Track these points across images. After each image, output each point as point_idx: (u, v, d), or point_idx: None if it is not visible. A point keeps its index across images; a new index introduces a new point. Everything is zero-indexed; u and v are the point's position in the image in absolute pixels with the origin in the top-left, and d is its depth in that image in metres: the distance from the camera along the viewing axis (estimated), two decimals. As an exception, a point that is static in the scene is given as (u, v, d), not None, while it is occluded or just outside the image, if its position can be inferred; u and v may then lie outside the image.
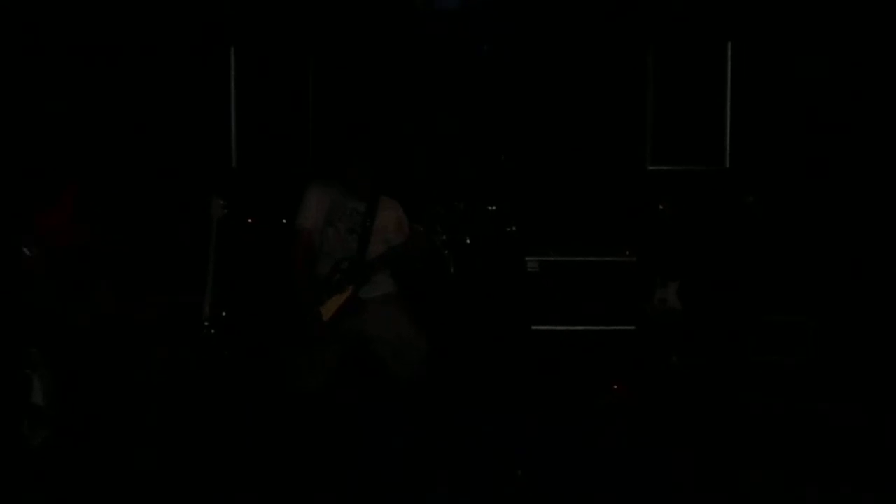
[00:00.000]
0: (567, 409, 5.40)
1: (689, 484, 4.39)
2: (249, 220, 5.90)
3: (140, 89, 6.46)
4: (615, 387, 5.53)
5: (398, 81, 6.69)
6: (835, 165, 6.38)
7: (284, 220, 5.84)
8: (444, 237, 6.18)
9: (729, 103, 6.76)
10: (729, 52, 6.76)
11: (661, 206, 6.37)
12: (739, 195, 6.19)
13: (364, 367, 5.09)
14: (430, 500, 4.41)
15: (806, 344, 5.90)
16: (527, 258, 6.24)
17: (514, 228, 5.98)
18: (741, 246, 6.08)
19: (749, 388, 5.65)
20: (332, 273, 4.89)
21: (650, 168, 6.70)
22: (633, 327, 5.86)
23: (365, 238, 4.91)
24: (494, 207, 6.18)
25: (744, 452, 4.74)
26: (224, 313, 5.65)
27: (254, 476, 4.56)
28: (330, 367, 4.92)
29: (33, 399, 4.66)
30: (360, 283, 4.88)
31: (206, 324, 5.52)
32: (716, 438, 4.94)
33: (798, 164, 6.49)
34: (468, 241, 5.31)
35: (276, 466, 4.66)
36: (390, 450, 4.98)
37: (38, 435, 4.64)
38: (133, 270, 5.30)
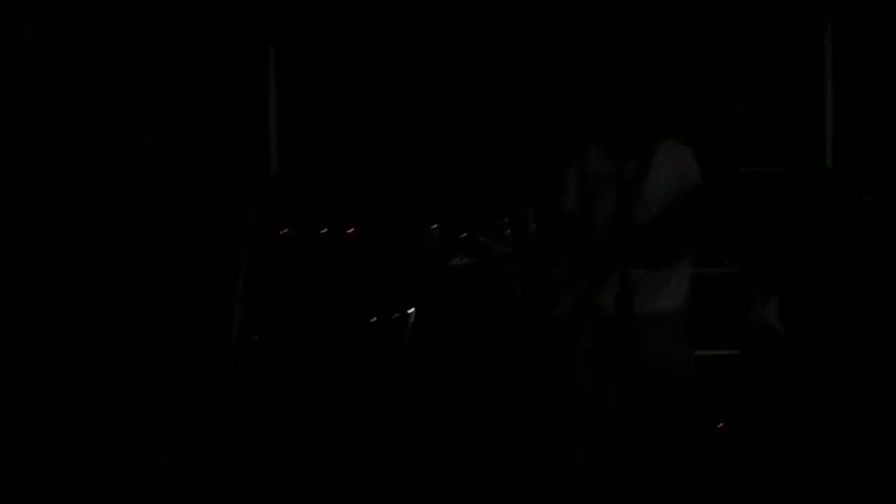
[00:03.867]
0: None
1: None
2: (285, 231, 4.94)
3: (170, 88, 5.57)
4: (720, 425, 4.40)
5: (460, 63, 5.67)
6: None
7: (324, 230, 4.90)
8: (509, 249, 5.19)
9: (830, 93, 5.69)
10: (829, 34, 5.70)
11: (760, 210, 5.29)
12: (853, 194, 5.06)
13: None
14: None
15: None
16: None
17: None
18: (856, 252, 4.94)
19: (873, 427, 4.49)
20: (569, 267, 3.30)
21: (742, 170, 5.62)
22: (736, 351, 4.74)
23: (624, 213, 3.12)
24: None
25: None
26: (256, 337, 4.71)
27: None
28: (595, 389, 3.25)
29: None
30: (603, 275, 3.15)
31: (233, 349, 4.57)
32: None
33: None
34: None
35: None
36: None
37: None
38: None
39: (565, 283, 3.26)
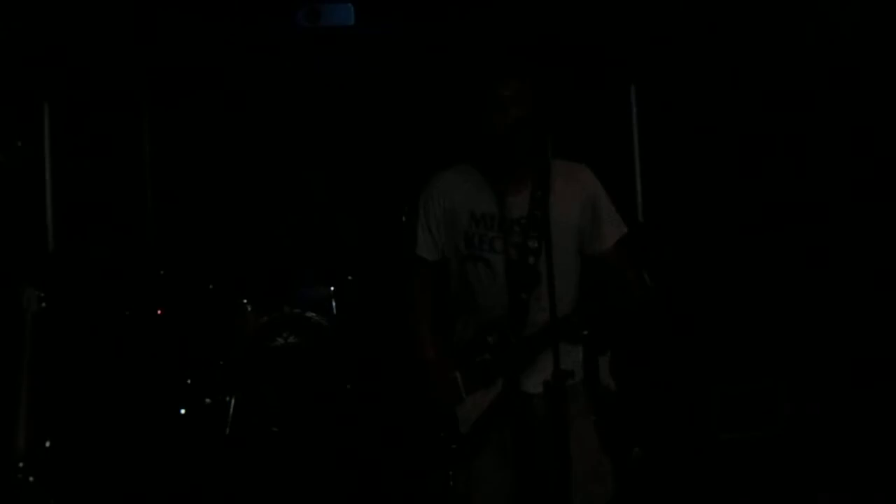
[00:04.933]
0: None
1: None
2: (76, 315, 4.14)
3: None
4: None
5: (256, 131, 5.11)
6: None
7: (127, 312, 4.16)
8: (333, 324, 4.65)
9: (637, 153, 5.68)
10: (633, 97, 5.71)
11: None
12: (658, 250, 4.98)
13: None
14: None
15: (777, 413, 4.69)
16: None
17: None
18: (671, 309, 4.85)
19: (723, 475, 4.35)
20: (474, 349, 2.65)
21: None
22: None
23: (528, 278, 2.58)
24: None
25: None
26: (48, 444, 3.86)
27: None
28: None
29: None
30: (520, 370, 2.61)
31: (20, 465, 3.70)
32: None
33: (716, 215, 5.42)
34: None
35: None
36: None
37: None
38: None
39: (476, 380, 2.61)
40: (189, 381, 4.41)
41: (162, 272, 4.44)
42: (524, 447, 2.57)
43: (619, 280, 2.75)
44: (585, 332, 2.75)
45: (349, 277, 4.57)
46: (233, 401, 4.25)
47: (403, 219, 4.77)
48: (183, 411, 4.33)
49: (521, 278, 2.60)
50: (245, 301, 4.54)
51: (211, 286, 4.42)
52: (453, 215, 2.69)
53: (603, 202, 2.75)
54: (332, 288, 4.51)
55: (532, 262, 2.58)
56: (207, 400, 4.40)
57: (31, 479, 3.67)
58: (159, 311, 4.15)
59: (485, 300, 2.68)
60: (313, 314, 4.42)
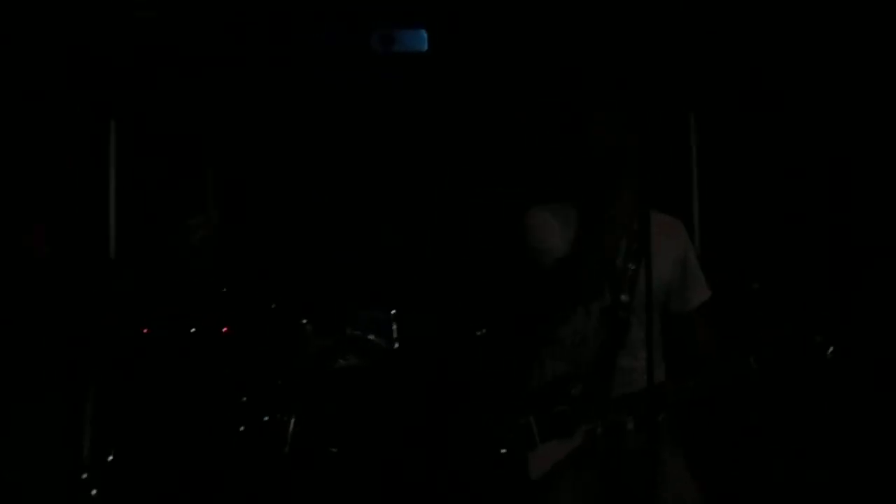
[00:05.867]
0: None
1: None
2: (144, 330, 4.12)
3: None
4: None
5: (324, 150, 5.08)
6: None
7: (194, 329, 4.13)
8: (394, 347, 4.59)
9: (696, 186, 5.56)
10: (692, 125, 5.60)
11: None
12: (742, 282, 4.88)
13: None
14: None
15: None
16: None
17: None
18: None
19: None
20: (553, 397, 2.55)
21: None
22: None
23: (618, 332, 2.54)
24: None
25: None
26: (111, 458, 3.83)
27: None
28: None
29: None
30: (601, 424, 2.51)
31: (83, 476, 3.68)
32: None
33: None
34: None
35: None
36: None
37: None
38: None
39: (551, 430, 2.50)
40: (245, 399, 4.36)
41: (224, 290, 4.42)
42: (611, 481, 2.48)
43: (695, 343, 2.68)
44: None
45: (410, 301, 4.52)
46: (292, 420, 4.19)
47: (469, 244, 4.75)
48: (242, 429, 4.28)
49: (610, 332, 2.54)
50: (306, 322, 4.50)
51: (273, 306, 4.39)
52: (548, 255, 2.62)
53: (692, 262, 2.70)
54: (393, 311, 4.46)
55: (623, 316, 2.50)
56: (266, 418, 4.35)
57: (93, 491, 3.65)
58: (224, 329, 4.12)
59: (566, 333, 2.62)
60: (374, 337, 4.37)
